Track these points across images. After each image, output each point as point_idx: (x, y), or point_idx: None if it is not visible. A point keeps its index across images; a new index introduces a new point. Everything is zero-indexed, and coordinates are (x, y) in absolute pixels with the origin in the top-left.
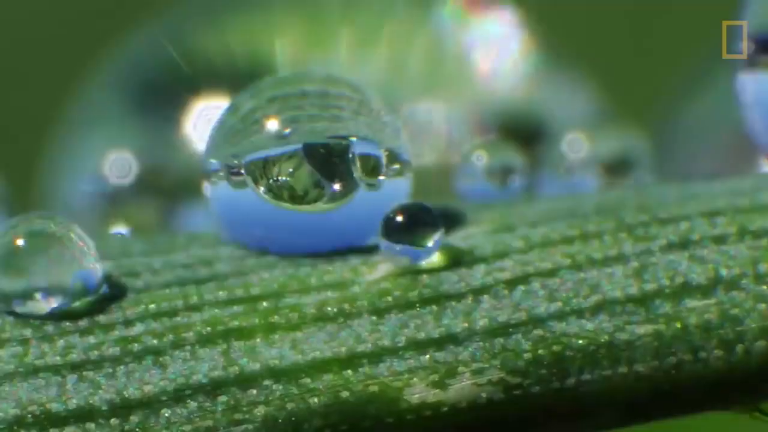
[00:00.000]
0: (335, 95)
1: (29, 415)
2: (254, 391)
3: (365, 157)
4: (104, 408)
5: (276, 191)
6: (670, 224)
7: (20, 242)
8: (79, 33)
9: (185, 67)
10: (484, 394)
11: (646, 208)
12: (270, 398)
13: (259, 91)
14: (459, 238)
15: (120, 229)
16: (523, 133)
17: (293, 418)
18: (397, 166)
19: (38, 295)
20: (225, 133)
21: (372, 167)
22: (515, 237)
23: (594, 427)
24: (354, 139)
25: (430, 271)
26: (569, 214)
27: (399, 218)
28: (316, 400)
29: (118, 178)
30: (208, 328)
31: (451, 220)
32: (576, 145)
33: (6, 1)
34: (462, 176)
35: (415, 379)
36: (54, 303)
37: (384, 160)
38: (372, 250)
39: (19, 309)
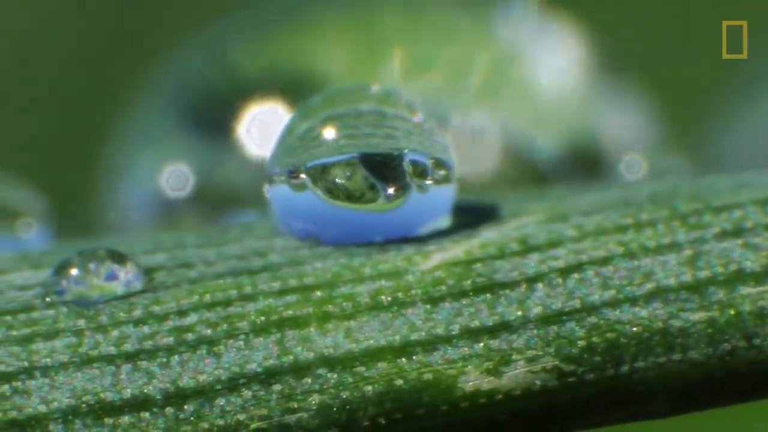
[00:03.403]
0: (390, 115)
1: (84, 405)
2: (308, 380)
3: (414, 163)
4: (159, 397)
5: (334, 193)
6: (724, 212)
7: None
8: (130, 47)
9: (231, 83)
10: (538, 382)
11: (698, 197)
12: (324, 387)
13: (315, 110)
14: (512, 228)
15: None
16: (582, 148)
17: (347, 407)
18: (443, 171)
19: (91, 265)
20: (284, 150)
21: (420, 171)
22: (568, 226)
23: (648, 415)
24: (405, 150)
25: (484, 259)
26: (622, 203)
27: None
28: (370, 388)
29: (174, 190)
30: (262, 318)
31: (505, 210)
32: (633, 166)
33: (57, 18)
34: None
35: (469, 367)
36: (104, 273)
37: (431, 167)
38: (426, 240)
39: (74, 285)
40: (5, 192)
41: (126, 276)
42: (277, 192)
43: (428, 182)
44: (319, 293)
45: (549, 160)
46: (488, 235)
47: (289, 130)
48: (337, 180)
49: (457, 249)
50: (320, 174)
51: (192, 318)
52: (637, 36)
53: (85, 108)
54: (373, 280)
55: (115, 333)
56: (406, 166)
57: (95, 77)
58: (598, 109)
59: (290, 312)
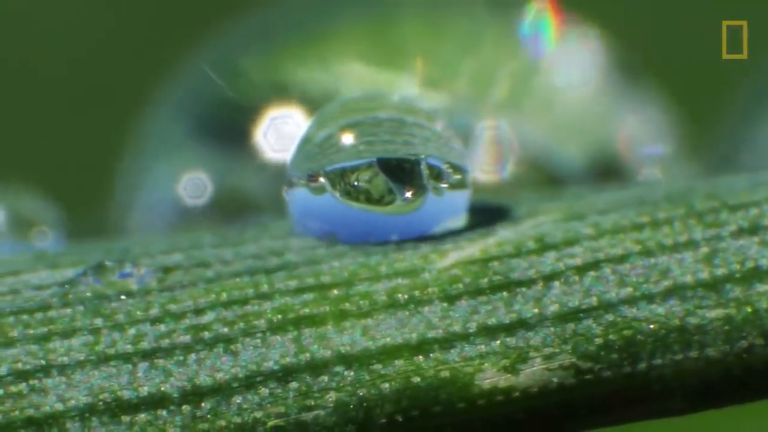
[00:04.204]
0: (408, 123)
1: (101, 403)
2: (325, 378)
3: (431, 167)
4: (176, 395)
5: (353, 195)
6: (740, 210)
7: None
8: (144, 54)
9: (247, 91)
10: (555, 379)
11: (715, 195)
12: (341, 384)
13: (334, 117)
14: (529, 227)
15: None
16: (602, 159)
17: (364, 404)
18: (458, 176)
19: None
20: (304, 156)
21: (436, 175)
22: (585, 224)
23: (665, 412)
24: (422, 156)
25: (501, 258)
26: (639, 201)
27: None
28: (387, 385)
29: (192, 198)
30: (279, 316)
31: (521, 209)
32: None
33: (74, 28)
34: None
35: (486, 364)
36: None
37: (447, 171)
38: (442, 238)
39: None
40: (20, 202)
41: (139, 272)
42: (295, 195)
43: (443, 185)
44: (335, 291)
45: (570, 170)
46: (505, 234)
47: (308, 138)
48: (355, 183)
49: (473, 247)
50: (339, 177)
51: (209, 316)
52: (640, 38)
53: (101, 117)
54: (389, 278)
55: (131, 331)
56: (424, 170)
57: (112, 85)
58: (619, 118)
59: (307, 310)
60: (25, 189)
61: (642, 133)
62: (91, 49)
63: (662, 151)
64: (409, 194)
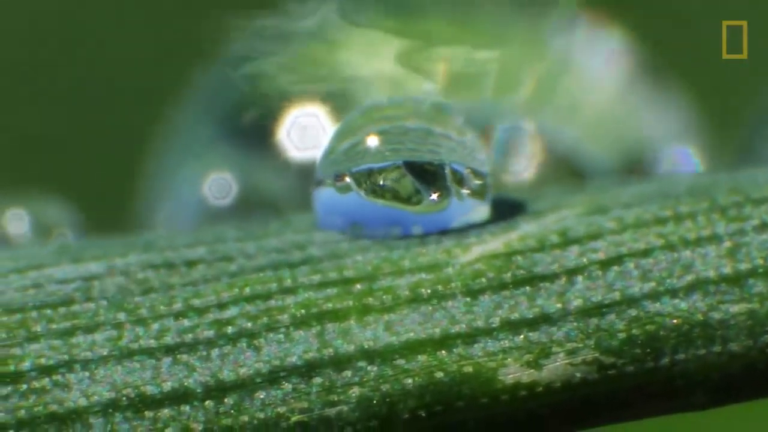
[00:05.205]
0: (436, 133)
1: (124, 398)
2: (349, 373)
3: (454, 172)
4: (199, 390)
5: (378, 193)
6: (764, 204)
7: None
8: (169, 53)
9: (270, 92)
10: (578, 374)
11: (738, 188)
12: (364, 379)
13: (361, 126)
14: (552, 221)
15: None
16: (630, 160)
17: (388, 399)
18: (479, 181)
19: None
20: (330, 162)
21: (459, 180)
22: (608, 218)
23: (688, 407)
24: (446, 162)
25: (524, 252)
26: (662, 195)
27: None
28: (410, 381)
29: (217, 198)
30: (303, 311)
31: (544, 203)
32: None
33: (100, 30)
34: None
35: (509, 359)
36: None
37: (468, 175)
38: (465, 232)
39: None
40: (42, 206)
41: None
42: (321, 193)
43: (465, 191)
44: (359, 286)
45: (596, 169)
46: (528, 228)
47: (334, 145)
48: (381, 182)
49: (496, 241)
50: (365, 177)
51: (232, 311)
52: (646, 35)
53: (125, 119)
54: (412, 272)
55: (155, 326)
56: (447, 174)
57: (136, 86)
58: (645, 116)
59: (330, 305)
60: (48, 193)
61: (667, 131)
62: (115, 50)
63: (692, 161)
64: (435, 196)
